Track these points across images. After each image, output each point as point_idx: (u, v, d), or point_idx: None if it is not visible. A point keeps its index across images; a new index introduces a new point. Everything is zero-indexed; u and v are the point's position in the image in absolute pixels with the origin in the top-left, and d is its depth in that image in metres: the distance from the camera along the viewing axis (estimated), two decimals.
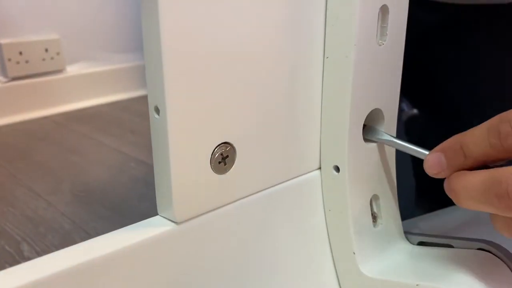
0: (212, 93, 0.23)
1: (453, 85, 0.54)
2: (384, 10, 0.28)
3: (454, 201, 0.25)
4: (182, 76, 0.22)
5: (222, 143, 0.24)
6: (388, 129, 0.31)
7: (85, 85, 1.38)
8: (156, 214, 0.26)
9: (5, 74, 1.23)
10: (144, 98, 1.47)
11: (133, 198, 0.80)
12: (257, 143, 0.26)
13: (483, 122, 0.24)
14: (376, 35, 0.28)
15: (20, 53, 1.24)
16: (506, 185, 0.21)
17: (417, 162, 0.55)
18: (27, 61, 1.25)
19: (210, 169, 0.24)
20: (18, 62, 1.24)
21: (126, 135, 1.14)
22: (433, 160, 0.25)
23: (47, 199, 0.81)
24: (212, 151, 0.24)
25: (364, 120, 0.30)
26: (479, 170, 0.23)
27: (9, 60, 1.22)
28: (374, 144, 0.31)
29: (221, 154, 0.24)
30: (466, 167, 0.24)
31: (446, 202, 0.58)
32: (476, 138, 0.23)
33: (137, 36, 1.48)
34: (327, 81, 0.29)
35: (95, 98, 1.40)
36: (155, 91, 0.22)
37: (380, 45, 0.29)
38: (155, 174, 0.24)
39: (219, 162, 0.24)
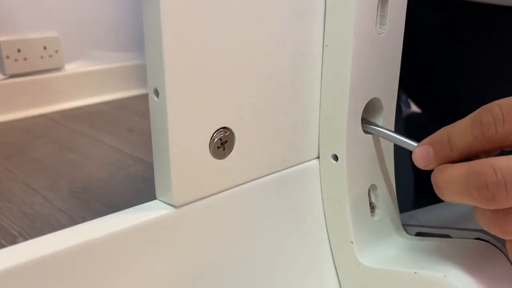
0: (212, 78, 0.23)
1: (455, 84, 0.54)
2: (383, 0, 0.28)
3: (437, 194, 0.25)
4: (182, 59, 0.22)
5: (221, 128, 0.24)
6: (386, 119, 0.31)
7: (84, 83, 1.38)
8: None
9: (3, 72, 1.23)
10: (142, 97, 1.47)
11: (130, 195, 0.80)
12: (257, 130, 0.26)
13: None
14: (376, 24, 0.28)
15: (19, 50, 1.24)
16: (485, 177, 0.21)
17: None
18: (25, 59, 1.25)
19: (209, 153, 0.24)
20: (16, 60, 1.24)
21: (124, 133, 1.14)
22: (421, 153, 0.25)
23: (44, 195, 0.80)
24: (211, 136, 0.24)
25: (363, 109, 0.30)
26: (461, 163, 0.23)
27: (7, 57, 1.22)
28: (372, 134, 0.31)
29: (220, 139, 0.24)
30: (452, 159, 0.24)
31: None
32: (460, 130, 0.23)
33: (136, 35, 1.48)
34: (326, 70, 0.29)
35: (93, 96, 1.40)
36: (155, 73, 0.22)
37: (379, 34, 0.29)
38: (154, 158, 0.24)
39: (218, 147, 0.24)
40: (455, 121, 0.25)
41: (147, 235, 0.22)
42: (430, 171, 0.26)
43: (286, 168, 0.29)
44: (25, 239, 0.66)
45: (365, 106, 0.30)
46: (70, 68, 1.36)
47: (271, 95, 0.27)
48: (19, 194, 0.80)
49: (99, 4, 1.37)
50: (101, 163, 0.94)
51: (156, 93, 0.22)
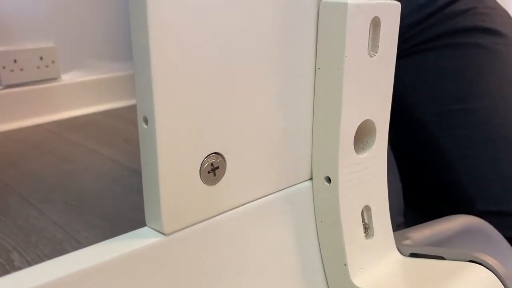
0: (201, 104, 0.23)
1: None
2: (375, 22, 0.28)
3: None
4: (171, 87, 0.22)
5: (212, 153, 0.24)
6: (379, 140, 0.31)
7: (80, 93, 1.38)
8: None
9: None
10: None
11: (125, 208, 0.79)
12: (248, 155, 0.26)
13: None
14: (368, 46, 0.28)
15: (15, 61, 1.24)
16: None
17: (404, 175, 0.56)
18: (21, 69, 1.25)
19: (200, 179, 0.24)
20: (12, 70, 1.24)
21: (119, 143, 1.14)
22: None
23: (39, 208, 0.80)
24: (201, 162, 0.24)
25: (355, 131, 0.30)
26: None
27: (4, 68, 1.22)
28: (365, 155, 0.31)
29: (211, 165, 0.24)
30: None
31: (434, 212, 0.59)
32: None
33: (131, 46, 1.48)
34: (318, 92, 0.29)
35: (89, 106, 1.39)
36: (144, 101, 0.22)
37: (371, 57, 0.29)
38: (143, 185, 0.24)
39: (209, 172, 0.24)
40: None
41: (137, 264, 0.22)
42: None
43: (278, 191, 0.29)
44: (19, 253, 0.65)
45: (358, 127, 0.30)
46: (67, 78, 1.35)
47: (262, 119, 0.27)
48: (14, 207, 0.79)
49: (95, 15, 1.37)
50: (97, 174, 0.94)
51: (145, 120, 0.22)
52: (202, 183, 0.24)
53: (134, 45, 0.21)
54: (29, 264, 0.63)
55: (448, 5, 0.61)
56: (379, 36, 0.29)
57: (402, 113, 0.60)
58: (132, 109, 1.45)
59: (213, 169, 0.24)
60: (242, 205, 0.27)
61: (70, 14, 1.31)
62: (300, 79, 0.28)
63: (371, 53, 0.29)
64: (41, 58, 1.28)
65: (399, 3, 0.29)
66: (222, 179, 0.25)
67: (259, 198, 0.28)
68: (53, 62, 1.31)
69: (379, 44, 0.29)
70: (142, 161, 0.23)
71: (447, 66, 0.58)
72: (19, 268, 0.61)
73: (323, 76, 0.28)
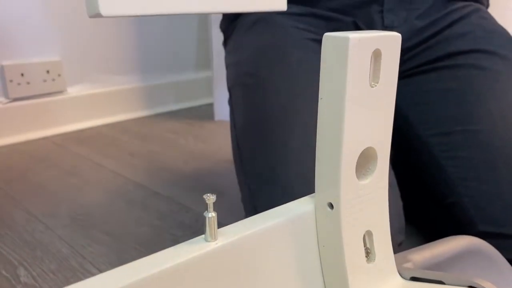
0: None
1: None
2: (376, 53, 0.29)
3: None
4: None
5: None
6: (380, 167, 0.32)
7: (86, 106, 1.39)
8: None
9: (6, 95, 1.25)
10: (143, 119, 1.48)
11: (130, 223, 0.80)
12: None
13: None
14: (369, 77, 0.29)
15: (22, 74, 1.26)
16: None
17: (405, 193, 0.56)
18: (28, 83, 1.27)
19: None
20: (19, 84, 1.25)
21: (124, 157, 1.15)
22: None
23: (45, 222, 0.81)
24: None
25: (357, 158, 0.30)
26: None
27: (11, 81, 1.24)
28: (367, 181, 0.31)
29: None
30: None
31: (434, 231, 0.59)
32: None
33: (136, 59, 1.50)
34: (321, 121, 0.30)
35: (94, 119, 1.41)
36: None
37: (372, 87, 0.30)
38: None
39: None
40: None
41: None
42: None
43: (282, 216, 0.30)
44: (25, 269, 0.66)
45: (360, 154, 0.31)
46: (73, 91, 1.37)
47: None
48: (20, 221, 0.80)
49: (100, 28, 1.39)
50: (102, 189, 0.95)
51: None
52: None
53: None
54: (35, 279, 0.64)
55: (446, 29, 0.63)
56: (380, 67, 0.30)
57: (404, 131, 0.61)
58: (137, 121, 1.47)
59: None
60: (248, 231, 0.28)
61: (75, 29, 1.33)
62: None
63: (372, 83, 0.30)
64: (47, 72, 1.30)
65: (399, 35, 0.30)
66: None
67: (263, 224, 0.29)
68: (59, 75, 1.32)
69: (380, 75, 0.30)
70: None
71: (448, 87, 0.59)
72: (26, 283, 0.62)
73: (326, 106, 0.29)
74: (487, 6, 0.72)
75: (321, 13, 0.65)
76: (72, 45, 1.34)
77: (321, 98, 0.30)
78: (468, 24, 0.62)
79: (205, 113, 1.56)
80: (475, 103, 0.55)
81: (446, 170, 0.55)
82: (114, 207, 0.86)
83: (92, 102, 1.41)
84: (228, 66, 0.70)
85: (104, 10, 0.26)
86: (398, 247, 0.50)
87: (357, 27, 0.64)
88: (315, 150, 0.50)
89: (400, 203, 0.53)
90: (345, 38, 0.27)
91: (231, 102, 0.66)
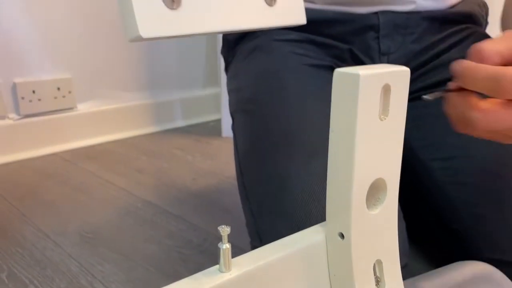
0: None
1: None
2: (386, 88, 0.30)
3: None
4: None
5: None
6: (390, 197, 0.33)
7: (95, 122, 1.41)
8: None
9: (18, 112, 1.27)
10: (151, 136, 1.50)
11: (139, 241, 0.81)
12: None
13: None
14: (379, 111, 0.30)
15: (33, 91, 1.28)
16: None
17: (409, 214, 0.56)
18: (39, 99, 1.29)
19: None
20: (31, 101, 1.27)
21: (133, 174, 1.16)
22: None
23: (55, 240, 0.82)
24: None
25: (367, 189, 0.31)
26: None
27: (23, 98, 1.26)
28: (377, 211, 0.32)
29: None
30: None
31: (440, 254, 0.59)
32: None
33: (145, 76, 1.52)
34: (332, 153, 0.31)
35: (103, 135, 1.43)
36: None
37: (382, 120, 0.31)
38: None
39: None
40: None
41: None
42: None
43: (294, 247, 0.31)
44: (36, 287, 0.67)
45: (370, 185, 0.31)
46: (82, 107, 1.39)
47: None
48: (31, 239, 0.81)
49: (110, 46, 1.42)
50: (111, 206, 0.96)
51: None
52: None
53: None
54: None
55: (444, 53, 0.63)
56: (389, 100, 0.30)
57: (407, 155, 0.61)
58: (145, 137, 1.48)
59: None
60: (258, 262, 0.28)
61: (86, 47, 1.35)
62: None
63: (382, 116, 0.30)
64: (58, 89, 1.32)
65: (408, 69, 0.31)
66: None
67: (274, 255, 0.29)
68: (69, 92, 1.35)
69: (389, 108, 0.31)
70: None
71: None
72: None
73: (337, 138, 0.30)
74: (486, 25, 0.72)
75: (318, 40, 0.66)
76: (83, 62, 1.37)
77: (332, 131, 0.30)
78: (466, 48, 0.62)
79: (213, 129, 1.58)
80: None
81: (450, 195, 0.55)
82: (123, 225, 0.87)
83: (101, 119, 1.43)
84: (229, 91, 0.71)
85: (144, 32, 0.27)
86: (403, 269, 0.50)
87: (353, 54, 0.65)
88: (315, 176, 0.50)
89: (403, 224, 0.54)
90: (355, 75, 0.28)
91: (233, 127, 0.67)
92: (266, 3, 0.36)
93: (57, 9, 1.27)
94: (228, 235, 0.28)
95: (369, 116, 0.30)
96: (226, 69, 0.77)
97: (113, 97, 1.46)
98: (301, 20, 0.39)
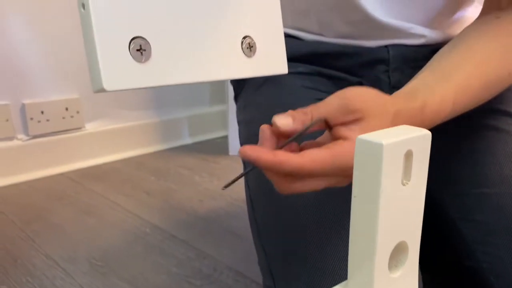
0: None
1: None
2: (408, 153, 0.30)
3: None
4: None
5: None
6: (411, 258, 0.33)
7: (102, 142, 1.41)
8: None
9: (26, 132, 1.27)
10: (158, 154, 1.50)
11: (148, 269, 0.81)
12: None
13: None
14: (401, 176, 0.30)
15: (42, 112, 1.28)
16: None
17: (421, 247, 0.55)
18: (48, 120, 1.30)
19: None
20: (39, 121, 1.28)
21: (140, 195, 1.16)
22: None
23: (65, 268, 0.82)
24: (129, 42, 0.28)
25: (390, 253, 0.31)
26: None
27: (31, 119, 1.27)
28: (398, 274, 0.32)
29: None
30: None
31: None
32: None
33: (151, 94, 1.53)
34: (354, 218, 0.31)
35: (110, 154, 1.43)
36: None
37: (404, 185, 0.31)
38: (87, 56, 0.28)
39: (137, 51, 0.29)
40: None
41: None
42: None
43: None
44: None
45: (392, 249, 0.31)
46: (90, 127, 1.40)
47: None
48: (40, 266, 0.81)
49: None
50: (119, 231, 0.96)
51: (83, 6, 0.27)
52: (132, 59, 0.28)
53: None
54: None
55: None
56: (411, 165, 0.31)
57: None
58: (152, 156, 1.48)
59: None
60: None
61: None
62: None
63: (404, 181, 0.31)
64: (66, 109, 1.33)
65: (429, 133, 0.31)
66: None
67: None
68: (77, 112, 1.35)
69: (411, 173, 0.31)
70: (84, 39, 0.28)
71: (462, 148, 0.59)
72: None
73: (359, 204, 0.30)
74: None
75: (328, 73, 0.66)
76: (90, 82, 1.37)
77: (355, 196, 0.30)
78: None
79: (219, 146, 1.58)
80: (491, 166, 0.55)
81: (463, 232, 0.55)
82: (132, 252, 0.87)
83: (109, 138, 1.43)
84: (239, 123, 0.71)
85: (108, 85, 0.28)
86: None
87: None
88: (327, 222, 0.50)
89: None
90: (379, 144, 0.28)
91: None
92: (245, 54, 0.36)
93: (64, 30, 1.28)
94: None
95: (392, 182, 0.30)
96: (236, 99, 0.77)
97: (120, 116, 1.46)
98: (282, 69, 0.40)
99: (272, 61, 0.38)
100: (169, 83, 0.31)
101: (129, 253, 0.87)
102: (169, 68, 0.31)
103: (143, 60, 0.29)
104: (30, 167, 1.27)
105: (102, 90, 0.28)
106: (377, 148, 0.29)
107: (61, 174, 1.31)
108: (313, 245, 0.49)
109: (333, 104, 0.37)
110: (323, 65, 0.66)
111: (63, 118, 1.32)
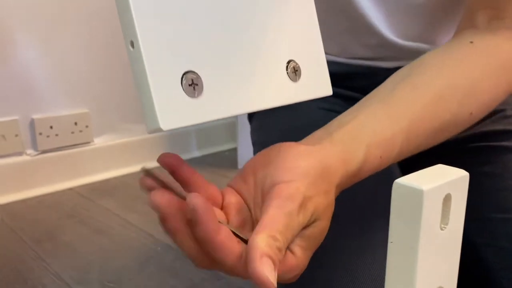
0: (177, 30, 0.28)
1: None
2: (447, 198, 0.29)
3: None
4: (149, 17, 0.27)
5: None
6: None
7: (110, 156, 1.41)
8: None
9: (35, 148, 1.27)
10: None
11: None
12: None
13: None
14: (440, 221, 0.29)
15: (51, 127, 1.28)
16: None
17: None
18: (57, 135, 1.29)
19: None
20: (48, 136, 1.28)
21: (151, 212, 1.14)
22: None
23: None
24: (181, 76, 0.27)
25: None
26: None
27: (40, 134, 1.26)
28: None
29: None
30: None
31: None
32: None
33: None
34: (391, 263, 0.30)
35: (119, 168, 1.42)
36: (129, 29, 0.27)
37: (442, 230, 0.29)
38: (140, 95, 0.28)
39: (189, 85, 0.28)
40: None
41: None
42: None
43: None
44: None
45: None
46: (99, 141, 1.39)
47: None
48: None
49: (125, 79, 1.42)
50: (131, 250, 0.94)
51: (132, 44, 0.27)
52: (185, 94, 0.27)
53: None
54: None
55: None
56: (449, 209, 0.29)
57: None
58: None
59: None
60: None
61: (102, 81, 1.35)
62: None
63: (442, 226, 0.29)
64: (75, 123, 1.32)
65: (467, 174, 0.30)
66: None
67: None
68: (87, 127, 1.35)
69: (449, 217, 0.29)
70: (134, 76, 0.28)
71: (483, 171, 0.57)
72: None
73: (397, 250, 0.29)
74: None
75: (343, 93, 0.65)
76: (99, 96, 1.37)
77: (391, 242, 0.29)
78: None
79: (228, 159, 1.57)
80: None
81: (487, 259, 0.54)
82: (144, 273, 0.86)
83: (118, 152, 1.42)
84: (254, 144, 0.70)
85: (165, 124, 0.27)
86: None
87: None
88: (349, 247, 0.49)
89: None
90: (419, 190, 0.27)
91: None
92: (290, 79, 0.35)
93: (73, 45, 1.28)
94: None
95: (431, 227, 0.29)
96: (250, 118, 0.76)
97: (129, 130, 1.46)
98: (327, 91, 0.38)
99: (317, 84, 0.37)
100: (222, 116, 0.30)
101: (141, 275, 0.86)
102: (221, 101, 0.30)
103: (196, 95, 0.28)
104: (39, 182, 1.27)
105: (159, 130, 0.27)
106: (417, 194, 0.27)
107: (70, 189, 1.30)
108: (339, 274, 0.48)
109: (280, 217, 0.29)
110: (339, 86, 0.65)
111: (72, 132, 1.32)
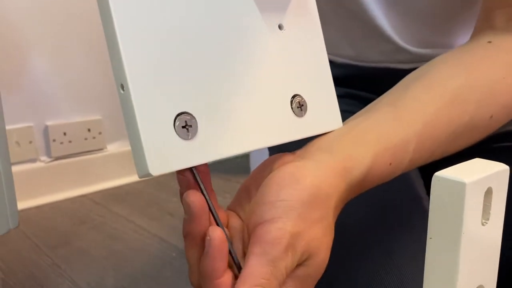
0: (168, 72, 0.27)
1: None
2: (488, 191, 0.28)
3: None
4: (139, 59, 0.26)
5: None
6: None
7: (124, 162, 1.41)
8: None
9: (49, 154, 1.27)
10: None
11: None
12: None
13: None
14: (481, 215, 0.28)
15: (64, 133, 1.28)
16: None
17: None
18: (70, 141, 1.29)
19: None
20: (62, 143, 1.28)
21: (165, 217, 1.14)
22: None
23: None
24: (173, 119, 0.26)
25: None
26: None
27: (54, 140, 1.26)
28: None
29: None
30: None
31: None
32: None
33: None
34: (430, 260, 0.29)
35: (133, 174, 1.42)
36: (119, 72, 0.26)
37: (483, 225, 0.29)
38: (129, 138, 0.27)
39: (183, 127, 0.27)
40: None
41: None
42: None
43: None
44: None
45: None
46: (112, 148, 1.39)
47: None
48: None
49: None
50: (146, 256, 0.94)
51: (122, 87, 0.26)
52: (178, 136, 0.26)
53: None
54: None
55: None
56: (490, 203, 0.28)
57: None
58: (172, 176, 1.46)
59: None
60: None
61: (115, 88, 1.35)
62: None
63: (483, 221, 0.28)
64: (88, 130, 1.33)
65: (507, 167, 0.29)
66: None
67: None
68: (100, 133, 1.35)
69: (490, 211, 0.28)
70: (125, 120, 0.27)
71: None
72: None
73: (436, 246, 0.28)
74: None
75: (358, 94, 0.64)
76: (112, 103, 1.37)
77: (430, 238, 0.28)
78: None
79: (241, 165, 1.56)
80: None
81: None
82: (160, 279, 0.85)
83: (130, 158, 1.41)
84: (270, 149, 0.70)
85: (154, 169, 0.26)
86: None
87: None
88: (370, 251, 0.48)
89: None
90: (461, 183, 0.26)
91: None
92: (295, 114, 0.33)
93: (86, 54, 1.28)
94: None
95: (473, 222, 0.28)
96: None
97: None
98: (337, 124, 0.36)
99: (325, 118, 0.35)
100: (218, 157, 0.29)
101: (157, 281, 0.85)
102: (217, 142, 0.28)
103: (189, 137, 0.27)
104: (52, 189, 1.27)
105: (148, 176, 0.26)
106: (459, 187, 0.27)
107: (83, 196, 1.30)
108: (359, 275, 0.47)
109: (263, 266, 0.27)
110: (356, 87, 0.65)
111: (85, 139, 1.32)
